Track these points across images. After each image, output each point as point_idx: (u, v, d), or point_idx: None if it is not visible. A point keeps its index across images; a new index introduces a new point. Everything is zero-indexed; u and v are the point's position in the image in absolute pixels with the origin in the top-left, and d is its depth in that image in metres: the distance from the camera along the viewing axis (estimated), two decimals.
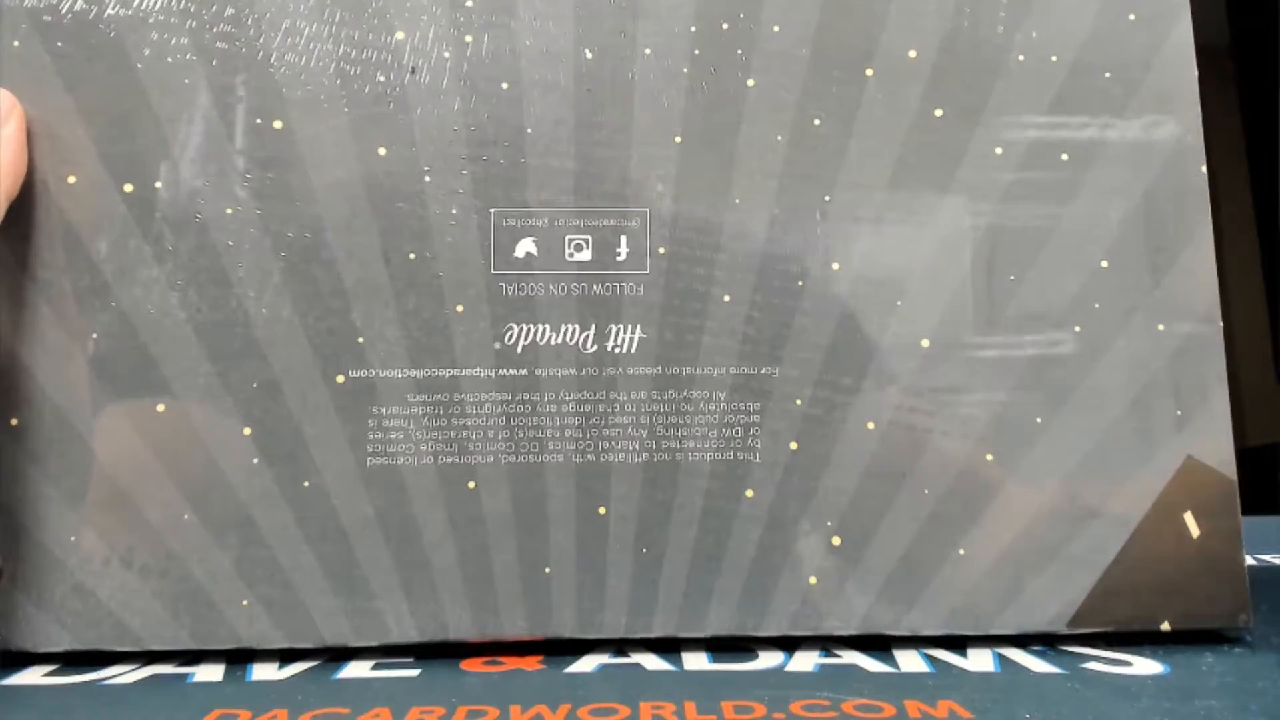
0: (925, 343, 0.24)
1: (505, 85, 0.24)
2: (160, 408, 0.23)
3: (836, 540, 0.24)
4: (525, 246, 0.24)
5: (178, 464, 0.23)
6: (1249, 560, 0.38)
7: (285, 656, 0.24)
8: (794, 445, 0.24)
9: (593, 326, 0.24)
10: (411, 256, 0.24)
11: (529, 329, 0.24)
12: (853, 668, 0.22)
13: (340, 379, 0.23)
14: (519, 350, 0.24)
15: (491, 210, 0.24)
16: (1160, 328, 0.24)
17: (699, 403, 0.24)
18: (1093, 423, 0.24)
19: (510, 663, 0.23)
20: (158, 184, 0.24)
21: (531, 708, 0.20)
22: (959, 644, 0.24)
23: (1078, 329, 0.24)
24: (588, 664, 0.23)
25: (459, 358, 0.23)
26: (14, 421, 0.23)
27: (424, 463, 0.23)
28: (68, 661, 0.23)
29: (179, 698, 0.21)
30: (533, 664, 0.23)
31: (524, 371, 0.24)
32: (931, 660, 0.23)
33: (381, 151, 0.24)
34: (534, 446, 0.23)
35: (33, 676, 0.22)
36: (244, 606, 0.23)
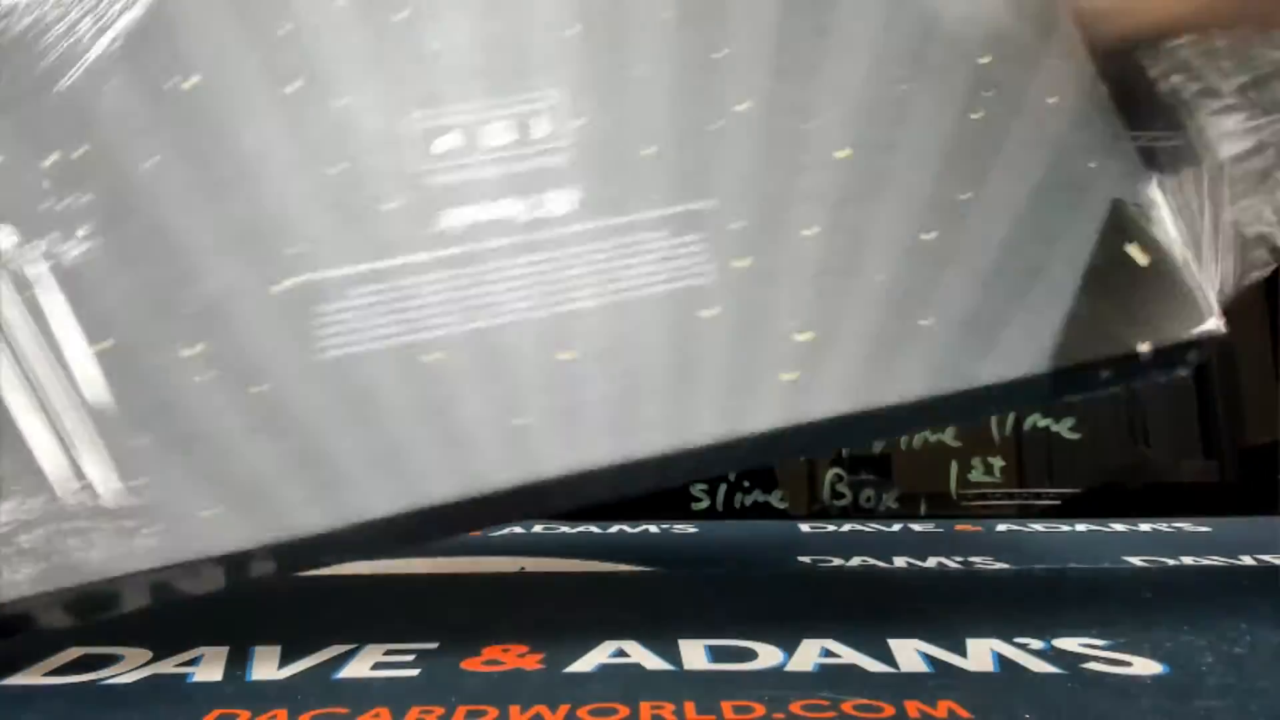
0: (842, 154, 0.25)
1: (405, 14, 0.24)
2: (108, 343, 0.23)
3: (807, 335, 0.24)
4: (447, 142, 0.24)
5: (124, 399, 0.23)
6: (1249, 560, 0.38)
7: (285, 656, 0.24)
8: (742, 263, 0.24)
9: (527, 198, 0.24)
10: (335, 171, 0.24)
11: (463, 211, 0.24)
12: (852, 668, 0.22)
13: (278, 288, 0.23)
14: (457, 231, 0.24)
15: (408, 115, 0.24)
16: (1051, 100, 0.25)
17: (644, 243, 0.24)
18: (1015, 190, 0.25)
19: (510, 662, 0.23)
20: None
21: (531, 707, 0.20)
22: (959, 645, 0.24)
23: (983, 107, 0.25)
24: (587, 664, 0.23)
25: (398, 248, 0.24)
26: None
27: (377, 346, 0.23)
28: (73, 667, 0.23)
29: (179, 698, 0.21)
30: (532, 664, 0.23)
31: (465, 248, 0.24)
32: (931, 660, 0.23)
33: (292, 88, 0.24)
34: (488, 312, 0.23)
35: (33, 676, 0.22)
36: (207, 518, 0.22)
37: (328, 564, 0.24)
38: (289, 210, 0.24)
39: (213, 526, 0.22)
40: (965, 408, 0.26)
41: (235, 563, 0.23)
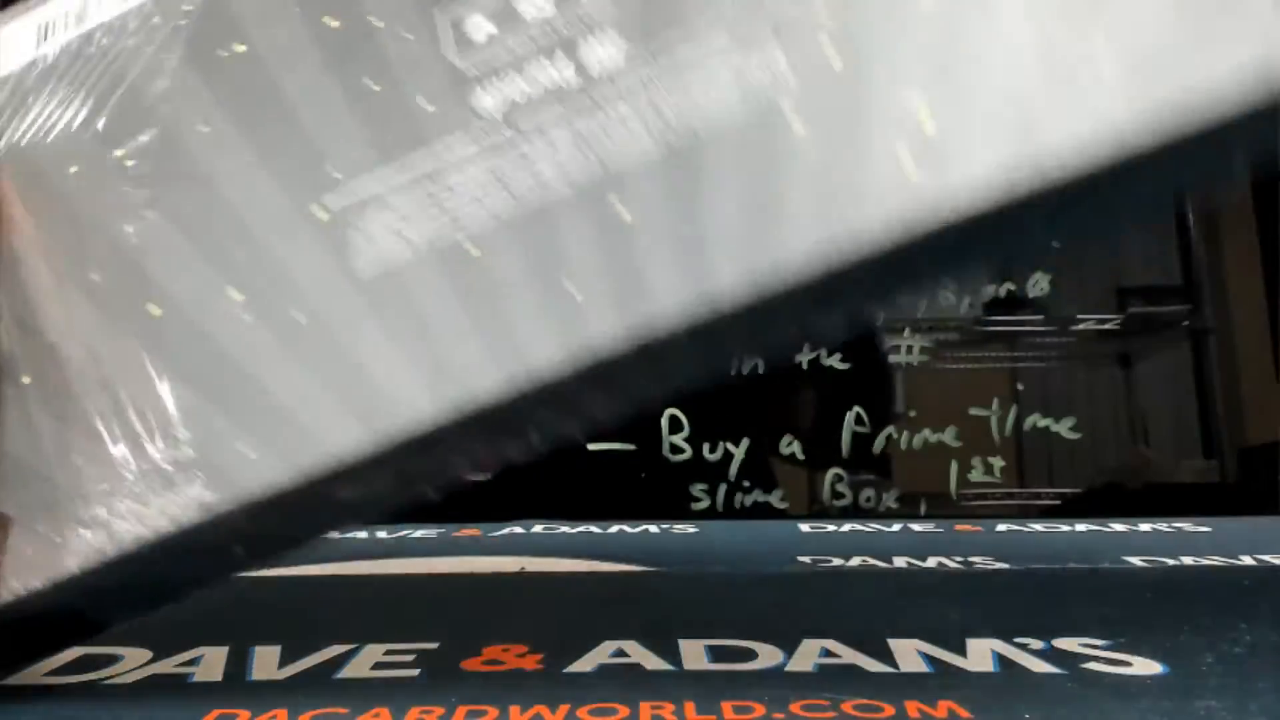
0: None
1: None
2: (156, 312, 0.23)
3: (928, 124, 0.19)
4: (483, 29, 0.23)
5: (178, 363, 0.23)
6: (1249, 560, 0.38)
7: (285, 656, 0.24)
8: (837, 65, 0.20)
9: (572, 64, 0.22)
10: (376, 88, 0.23)
11: (503, 95, 0.22)
12: (852, 668, 0.22)
13: (324, 215, 0.22)
14: (499, 118, 0.22)
15: (434, 10, 0.22)
16: None
17: (706, 68, 0.21)
18: None
19: (510, 662, 0.23)
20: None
21: (531, 708, 0.20)
22: (959, 645, 0.24)
23: None
24: (587, 664, 0.23)
25: (436, 150, 0.22)
26: (26, 380, 0.23)
27: (418, 253, 0.22)
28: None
29: (179, 698, 0.21)
30: (532, 664, 0.23)
31: (510, 133, 0.22)
32: (931, 660, 0.23)
33: (332, 24, 0.23)
34: (535, 192, 0.22)
35: (33, 676, 0.22)
36: (253, 460, 0.22)
37: (376, 501, 0.23)
38: (327, 136, 0.23)
39: (262, 467, 0.22)
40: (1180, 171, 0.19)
41: (287, 502, 0.22)
